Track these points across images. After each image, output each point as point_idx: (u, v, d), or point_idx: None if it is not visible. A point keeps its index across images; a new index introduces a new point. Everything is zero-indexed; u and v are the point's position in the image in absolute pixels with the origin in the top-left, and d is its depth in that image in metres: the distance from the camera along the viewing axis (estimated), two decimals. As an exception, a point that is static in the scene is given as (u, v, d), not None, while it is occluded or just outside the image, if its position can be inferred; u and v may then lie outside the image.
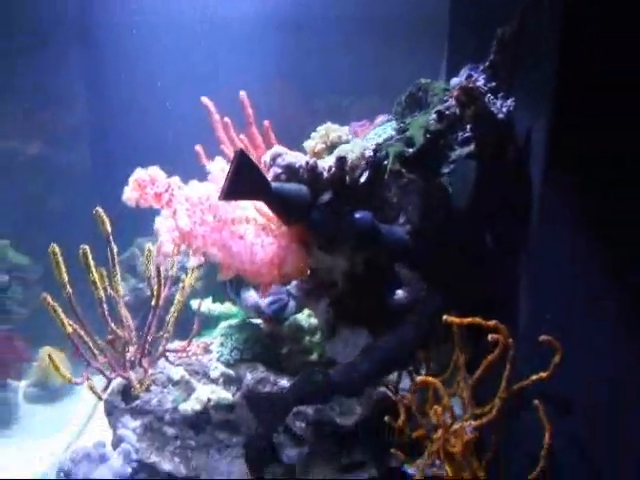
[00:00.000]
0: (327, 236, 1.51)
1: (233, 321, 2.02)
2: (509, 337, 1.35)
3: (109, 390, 1.86)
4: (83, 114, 3.24)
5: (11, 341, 2.49)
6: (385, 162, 1.53)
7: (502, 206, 1.54)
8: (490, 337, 1.35)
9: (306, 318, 2.03)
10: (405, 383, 1.81)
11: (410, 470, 1.82)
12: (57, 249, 1.66)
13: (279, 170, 1.50)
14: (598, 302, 1.34)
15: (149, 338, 1.88)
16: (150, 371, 1.88)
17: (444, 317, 1.31)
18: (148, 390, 1.87)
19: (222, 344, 1.91)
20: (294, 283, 1.76)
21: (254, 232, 1.49)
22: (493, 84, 1.52)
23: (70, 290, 1.71)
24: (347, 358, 1.71)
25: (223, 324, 2.07)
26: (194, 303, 2.14)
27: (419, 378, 1.39)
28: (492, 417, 1.46)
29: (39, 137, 3.10)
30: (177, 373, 1.81)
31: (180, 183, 1.44)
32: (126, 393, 1.90)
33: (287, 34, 3.21)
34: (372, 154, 1.55)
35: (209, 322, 2.16)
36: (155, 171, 1.39)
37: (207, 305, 2.14)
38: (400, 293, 1.68)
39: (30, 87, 3.14)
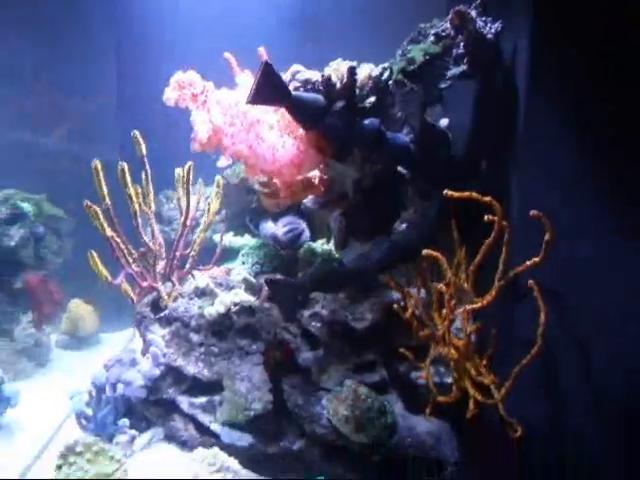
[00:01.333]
0: (339, 140, 1.70)
1: (252, 243, 2.20)
2: (504, 218, 1.51)
3: (142, 301, 2.04)
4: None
5: (47, 284, 2.69)
6: (390, 81, 1.74)
7: (490, 119, 1.73)
8: (486, 218, 1.52)
9: (320, 245, 2.21)
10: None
11: (416, 377, 1.97)
12: (99, 164, 1.87)
13: (298, 84, 1.71)
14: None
15: (177, 254, 2.07)
16: (177, 285, 2.06)
17: (445, 191, 1.47)
18: (175, 302, 2.05)
19: (243, 262, 2.10)
20: (310, 197, 1.95)
21: (276, 135, 1.69)
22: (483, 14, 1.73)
23: (109, 202, 1.91)
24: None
25: (243, 251, 2.26)
26: (216, 237, 2.34)
27: (425, 251, 1.55)
28: (488, 301, 1.62)
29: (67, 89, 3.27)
30: (203, 282, 1.98)
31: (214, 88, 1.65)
32: (155, 305, 2.08)
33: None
34: (378, 74, 1.76)
35: (230, 254, 2.36)
36: (193, 74, 1.60)
37: (228, 238, 2.33)
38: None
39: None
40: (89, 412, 2.16)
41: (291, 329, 1.92)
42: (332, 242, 2.06)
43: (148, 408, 2.14)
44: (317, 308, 1.89)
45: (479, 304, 1.63)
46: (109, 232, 1.88)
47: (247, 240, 2.33)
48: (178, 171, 2.08)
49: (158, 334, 2.01)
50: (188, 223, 2.05)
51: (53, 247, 2.78)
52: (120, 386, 2.00)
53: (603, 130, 1.45)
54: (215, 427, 1.97)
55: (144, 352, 2.04)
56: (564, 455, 1.67)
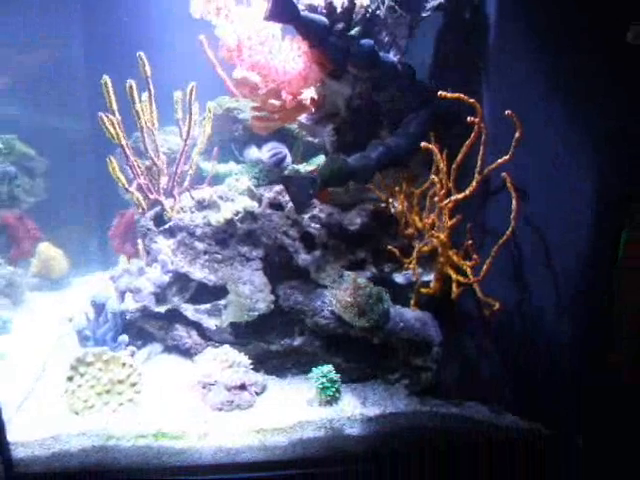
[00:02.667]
0: (338, 58, 1.94)
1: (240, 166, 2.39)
2: (482, 120, 1.82)
3: (144, 215, 2.16)
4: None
5: (23, 221, 2.68)
6: (377, 10, 2.00)
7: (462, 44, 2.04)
8: (468, 119, 1.82)
9: (302, 167, 2.44)
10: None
11: (398, 278, 2.26)
12: (108, 80, 1.98)
13: (302, 7, 1.93)
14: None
15: (179, 170, 2.21)
16: (179, 198, 2.20)
17: (440, 92, 1.75)
18: (178, 214, 2.19)
19: (237, 180, 2.27)
20: (305, 115, 2.17)
21: (286, 51, 1.90)
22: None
23: (119, 117, 2.02)
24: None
25: (228, 179, 2.44)
26: (205, 164, 2.49)
27: (423, 144, 1.83)
28: (470, 192, 1.92)
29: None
30: (207, 194, 2.14)
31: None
32: (158, 218, 2.21)
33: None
34: (369, 2, 2.02)
35: (216, 180, 2.50)
36: (217, -12, 1.78)
37: (213, 166, 2.49)
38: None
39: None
40: (88, 332, 2.25)
41: (290, 233, 2.13)
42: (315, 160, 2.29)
43: (148, 321, 2.26)
44: (315, 211, 2.11)
45: (462, 195, 1.93)
46: (123, 141, 1.99)
47: (231, 167, 2.50)
48: (177, 94, 2.21)
49: (163, 245, 2.14)
50: (189, 141, 2.19)
51: (26, 186, 2.77)
52: (129, 295, 2.10)
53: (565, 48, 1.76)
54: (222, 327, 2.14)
55: (149, 263, 2.16)
56: (526, 332, 2.01)
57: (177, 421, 1.87)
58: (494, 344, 2.14)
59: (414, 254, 2.10)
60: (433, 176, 1.92)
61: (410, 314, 2.11)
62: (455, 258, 2.01)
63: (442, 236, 1.99)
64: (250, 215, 2.11)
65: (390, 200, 2.15)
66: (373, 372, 2.15)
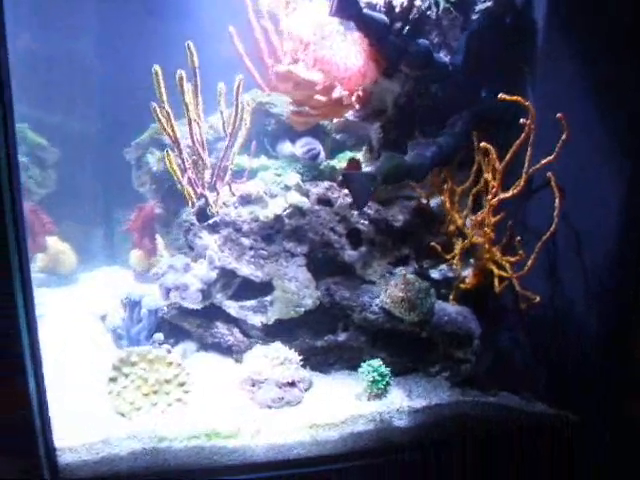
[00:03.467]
0: (395, 56, 1.96)
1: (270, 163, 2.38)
2: (533, 122, 1.89)
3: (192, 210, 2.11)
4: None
5: (38, 214, 2.54)
6: (429, 10, 2.04)
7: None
8: (521, 121, 1.89)
9: (337, 162, 2.45)
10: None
11: (434, 274, 2.31)
12: (159, 69, 1.91)
13: (362, 5, 1.93)
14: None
15: (223, 164, 2.16)
16: (222, 193, 2.16)
17: (500, 95, 1.81)
18: (222, 209, 2.15)
19: (279, 175, 2.26)
20: (351, 112, 2.18)
21: (348, 47, 1.90)
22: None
23: (169, 109, 1.96)
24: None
25: (262, 173, 2.41)
26: (242, 159, 2.45)
27: (483, 144, 1.88)
28: (518, 191, 1.99)
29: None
30: (254, 189, 2.11)
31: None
32: (201, 213, 2.16)
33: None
34: (420, 2, 2.05)
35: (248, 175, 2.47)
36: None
37: (245, 160, 2.45)
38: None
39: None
40: (121, 331, 2.18)
41: (337, 229, 2.14)
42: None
43: (186, 318, 2.21)
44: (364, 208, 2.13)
45: (510, 194, 1.99)
46: (168, 130, 1.93)
47: (264, 161, 2.48)
48: (221, 85, 2.16)
49: (207, 240, 2.10)
50: (232, 132, 2.15)
51: (37, 178, 2.63)
52: (174, 295, 2.05)
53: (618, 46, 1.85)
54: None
55: (193, 259, 2.11)
56: (557, 325, 2.11)
57: (228, 420, 1.84)
58: (527, 336, 2.23)
59: (457, 250, 2.15)
60: (486, 175, 1.98)
61: (451, 308, 2.16)
62: (499, 254, 2.08)
63: (490, 233, 2.05)
64: (298, 211, 2.10)
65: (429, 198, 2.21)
66: (414, 365, 2.19)
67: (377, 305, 2.08)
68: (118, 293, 2.32)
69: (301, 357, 2.07)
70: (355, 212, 2.12)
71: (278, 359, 2.02)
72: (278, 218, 2.09)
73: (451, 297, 2.21)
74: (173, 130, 1.94)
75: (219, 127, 2.68)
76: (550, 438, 1.98)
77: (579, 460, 1.98)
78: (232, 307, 2.15)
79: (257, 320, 2.13)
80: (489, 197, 2.00)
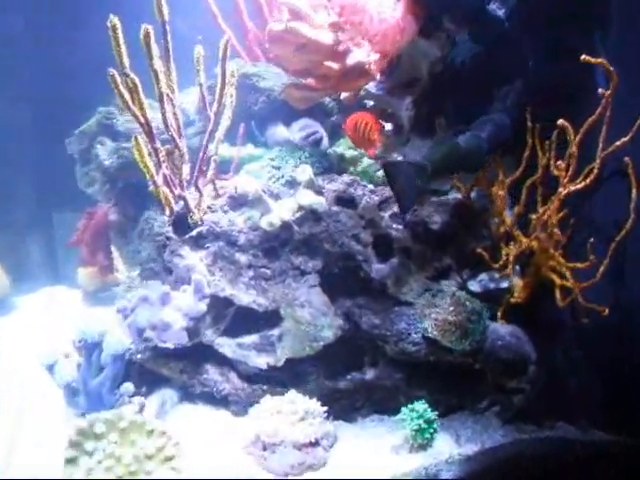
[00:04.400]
0: (438, 8, 1.47)
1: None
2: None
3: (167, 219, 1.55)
4: None
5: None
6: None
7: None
8: (599, 91, 1.44)
9: (345, 149, 1.94)
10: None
11: (472, 286, 1.86)
12: (117, 22, 1.34)
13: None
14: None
15: (206, 154, 1.61)
16: (206, 194, 1.61)
17: (582, 56, 1.35)
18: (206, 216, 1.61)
19: (278, 167, 1.73)
20: (373, 84, 1.67)
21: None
22: None
23: (135, 77, 1.39)
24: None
25: (248, 166, 1.88)
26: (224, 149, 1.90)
27: (560, 121, 1.42)
28: (592, 180, 1.56)
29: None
30: (251, 187, 1.58)
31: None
32: (179, 223, 1.61)
33: None
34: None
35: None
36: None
37: (225, 150, 1.91)
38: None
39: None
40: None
41: (362, 237, 1.64)
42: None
43: (165, 362, 1.67)
44: (395, 208, 1.64)
45: (582, 184, 1.56)
46: (134, 109, 1.36)
47: (251, 150, 1.95)
48: (199, 49, 1.60)
49: (191, 260, 1.56)
50: (217, 111, 1.59)
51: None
52: (149, 335, 1.50)
53: None
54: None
55: (175, 283, 1.56)
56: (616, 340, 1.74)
57: None
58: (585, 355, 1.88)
59: (511, 257, 1.71)
60: (543, 161, 1.54)
61: (503, 329, 1.73)
62: (562, 260, 1.66)
63: (557, 234, 1.62)
64: (312, 215, 1.59)
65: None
66: (460, 403, 1.75)
67: (418, 333, 1.61)
68: (68, 327, 1.75)
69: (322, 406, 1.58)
70: (386, 214, 1.62)
71: (296, 414, 1.52)
72: (286, 226, 1.57)
73: (499, 315, 1.77)
74: (142, 107, 1.37)
75: (187, 108, 2.14)
76: (608, 466, 1.64)
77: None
78: (227, 345, 1.62)
79: (262, 362, 1.61)
80: (561, 189, 1.55)
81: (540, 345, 1.80)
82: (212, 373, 1.66)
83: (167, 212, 1.54)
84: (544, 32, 1.66)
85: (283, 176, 1.69)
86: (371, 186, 1.65)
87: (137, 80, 1.37)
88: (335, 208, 1.60)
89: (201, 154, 1.60)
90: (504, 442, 1.63)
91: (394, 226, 1.63)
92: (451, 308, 1.59)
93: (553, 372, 1.85)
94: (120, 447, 1.45)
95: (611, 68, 1.39)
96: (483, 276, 1.78)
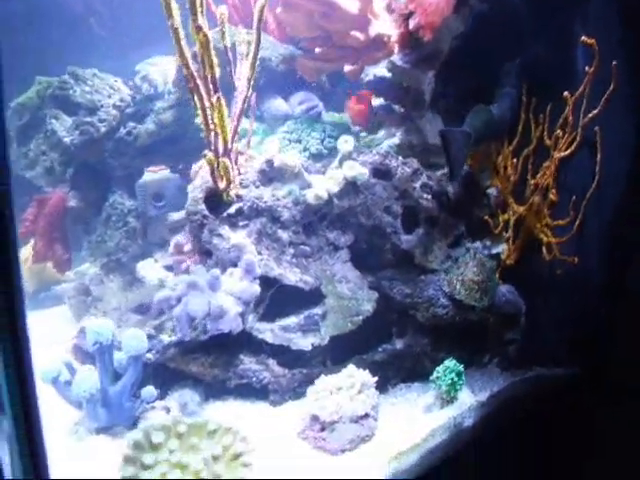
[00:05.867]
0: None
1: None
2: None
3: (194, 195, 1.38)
4: None
5: None
6: None
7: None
8: (587, 68, 1.63)
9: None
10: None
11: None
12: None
13: None
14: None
15: (240, 121, 1.46)
16: (243, 166, 1.47)
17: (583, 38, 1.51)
18: (240, 191, 1.47)
19: (298, 140, 1.66)
20: (398, 56, 1.67)
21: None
22: None
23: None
24: (435, 137, 1.76)
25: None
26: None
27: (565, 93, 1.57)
28: (575, 148, 1.76)
29: None
30: (292, 160, 1.48)
31: None
32: (213, 200, 1.45)
33: None
34: None
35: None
36: None
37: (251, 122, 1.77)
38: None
39: None
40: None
41: (393, 208, 1.65)
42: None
43: (195, 359, 1.51)
44: (424, 179, 1.67)
45: (569, 151, 1.75)
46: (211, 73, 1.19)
47: (246, 125, 1.83)
48: (221, 10, 1.44)
49: (235, 239, 1.42)
50: (250, 77, 1.45)
51: None
52: (203, 323, 1.33)
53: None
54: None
55: (222, 266, 1.41)
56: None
57: None
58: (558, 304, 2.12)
59: (511, 222, 1.86)
60: (537, 134, 1.71)
61: (503, 288, 1.88)
62: (547, 220, 1.87)
63: (552, 196, 1.81)
64: (352, 188, 1.55)
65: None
66: (470, 359, 1.87)
67: (446, 297, 1.68)
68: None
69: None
70: (417, 185, 1.65)
71: (354, 387, 1.49)
72: (329, 199, 1.51)
73: (497, 275, 1.92)
74: (212, 65, 1.20)
75: (155, 78, 1.93)
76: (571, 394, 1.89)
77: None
78: (268, 331, 1.51)
79: (307, 343, 1.54)
80: (555, 154, 1.73)
81: (526, 299, 2.00)
82: (249, 363, 1.54)
83: (223, 185, 1.37)
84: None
85: (307, 149, 1.61)
86: (401, 158, 1.66)
87: (210, 35, 1.19)
88: (372, 180, 1.59)
89: (234, 124, 1.45)
90: (503, 386, 1.77)
91: (424, 196, 1.66)
92: (474, 269, 1.69)
93: (535, 322, 2.07)
94: (183, 453, 1.29)
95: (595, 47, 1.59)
96: (477, 244, 1.91)
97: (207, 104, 1.28)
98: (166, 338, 1.54)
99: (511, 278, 1.94)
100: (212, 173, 1.34)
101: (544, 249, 1.81)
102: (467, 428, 1.59)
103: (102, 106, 1.79)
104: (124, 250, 1.91)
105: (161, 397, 1.55)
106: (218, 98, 1.25)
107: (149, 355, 1.52)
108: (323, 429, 1.47)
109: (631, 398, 1.82)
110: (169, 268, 1.79)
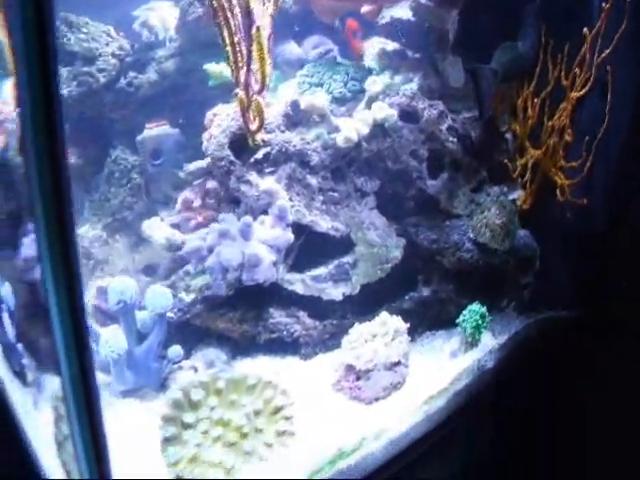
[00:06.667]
0: None
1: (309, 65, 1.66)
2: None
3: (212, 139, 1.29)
4: None
5: None
6: None
7: None
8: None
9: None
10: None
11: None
12: None
13: None
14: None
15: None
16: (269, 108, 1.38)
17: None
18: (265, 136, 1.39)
19: (320, 84, 1.57)
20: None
21: None
22: None
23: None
24: (456, 81, 1.70)
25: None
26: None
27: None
28: (590, 88, 1.73)
29: None
30: (319, 101, 1.40)
31: None
32: (238, 142, 1.36)
33: None
34: None
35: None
36: None
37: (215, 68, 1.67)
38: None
39: None
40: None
41: (420, 152, 1.59)
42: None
43: (223, 314, 1.44)
44: (449, 121, 1.62)
45: (584, 91, 1.72)
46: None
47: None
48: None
49: (265, 184, 1.34)
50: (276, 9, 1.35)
51: None
52: (236, 274, 1.26)
53: None
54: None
55: (251, 214, 1.33)
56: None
57: (345, 434, 1.28)
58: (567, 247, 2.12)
59: (528, 165, 1.83)
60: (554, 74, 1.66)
61: (520, 232, 1.88)
62: (561, 162, 1.85)
63: (568, 136, 1.79)
64: (381, 131, 1.48)
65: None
66: (491, 304, 1.85)
67: (470, 241, 1.65)
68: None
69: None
70: (443, 127, 1.59)
71: (388, 334, 1.45)
72: (358, 142, 1.44)
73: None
74: None
75: (155, 24, 1.81)
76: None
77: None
78: (299, 282, 1.45)
79: (339, 293, 1.48)
80: (572, 94, 1.70)
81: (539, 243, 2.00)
82: (278, 316, 1.48)
83: (255, 126, 1.27)
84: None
85: (330, 92, 1.53)
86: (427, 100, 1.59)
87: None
88: (400, 123, 1.52)
89: (258, 66, 1.35)
90: (519, 329, 1.76)
91: (450, 139, 1.61)
92: (497, 212, 1.66)
93: (546, 266, 2.08)
94: (224, 410, 1.23)
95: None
96: (502, 187, 1.88)
97: (236, 39, 1.18)
98: (184, 297, 1.47)
99: (525, 223, 1.95)
100: (243, 114, 1.25)
101: (558, 192, 1.80)
102: (488, 370, 1.60)
103: (100, 55, 1.66)
104: (129, 208, 1.80)
105: (185, 357, 1.49)
106: (258, 28, 1.15)
107: (169, 314, 1.45)
108: (358, 378, 1.43)
109: (632, 337, 1.87)
110: (175, 226, 1.70)
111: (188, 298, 1.43)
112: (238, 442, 1.20)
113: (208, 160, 1.46)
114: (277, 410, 1.27)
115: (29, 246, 1.23)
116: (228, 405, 1.24)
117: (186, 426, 1.18)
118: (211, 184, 1.55)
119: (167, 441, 1.15)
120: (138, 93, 1.79)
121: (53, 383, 1.34)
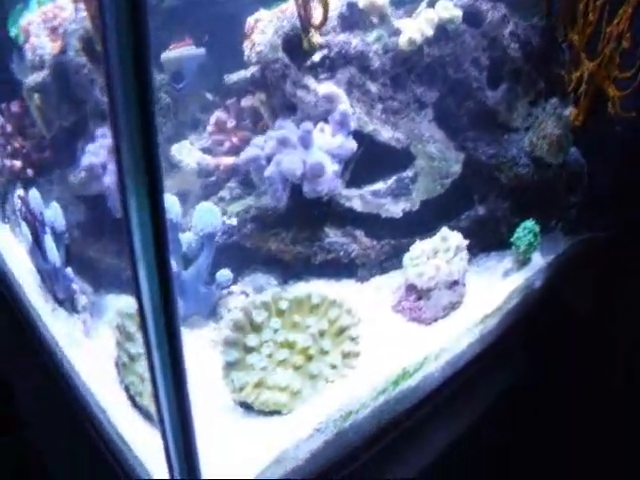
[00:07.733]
0: None
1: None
2: None
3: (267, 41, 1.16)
4: None
5: None
6: None
7: None
8: None
9: None
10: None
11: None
12: None
13: None
14: None
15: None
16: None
17: None
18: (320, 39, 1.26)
19: None
20: None
21: None
22: None
23: None
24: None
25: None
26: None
27: None
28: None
29: None
30: (380, 1, 1.26)
31: None
32: (293, 44, 1.24)
33: None
34: None
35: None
36: None
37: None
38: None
39: None
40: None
41: (481, 60, 1.47)
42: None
43: (276, 234, 1.36)
44: (512, 26, 1.49)
45: None
46: None
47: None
48: None
49: (324, 89, 1.23)
50: None
51: None
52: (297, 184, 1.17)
53: None
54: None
55: (310, 120, 1.22)
56: None
57: (407, 355, 1.25)
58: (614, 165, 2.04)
59: (584, 77, 1.71)
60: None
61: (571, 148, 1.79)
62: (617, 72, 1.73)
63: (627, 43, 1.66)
64: (444, 34, 1.35)
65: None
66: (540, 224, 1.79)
67: (527, 155, 1.56)
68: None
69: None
70: (506, 32, 1.46)
71: (450, 250, 1.38)
72: (420, 46, 1.32)
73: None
74: None
75: None
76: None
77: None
78: (357, 197, 1.36)
79: (398, 209, 1.40)
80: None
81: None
82: (334, 236, 1.40)
83: (319, 20, 1.15)
84: None
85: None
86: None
87: None
88: (462, 26, 1.39)
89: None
90: (565, 248, 1.76)
91: (512, 45, 1.48)
92: (554, 124, 1.56)
93: (592, 185, 2.00)
94: (288, 332, 1.17)
95: None
96: (554, 103, 1.77)
97: None
98: (226, 220, 1.38)
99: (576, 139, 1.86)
100: (304, 7, 1.12)
101: (609, 105, 1.70)
102: (537, 288, 1.60)
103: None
104: (159, 130, 1.69)
105: (234, 281, 1.42)
106: None
107: (215, 236, 1.36)
108: (420, 298, 1.37)
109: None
110: (207, 151, 1.60)
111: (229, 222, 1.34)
112: (304, 365, 1.14)
113: (253, 69, 1.34)
114: (342, 330, 1.21)
115: (94, 153, 1.13)
116: (292, 326, 1.18)
117: (249, 350, 1.12)
118: (248, 101, 1.44)
119: (230, 366, 1.10)
120: (163, 3, 1.65)
121: (117, 303, 1.28)
